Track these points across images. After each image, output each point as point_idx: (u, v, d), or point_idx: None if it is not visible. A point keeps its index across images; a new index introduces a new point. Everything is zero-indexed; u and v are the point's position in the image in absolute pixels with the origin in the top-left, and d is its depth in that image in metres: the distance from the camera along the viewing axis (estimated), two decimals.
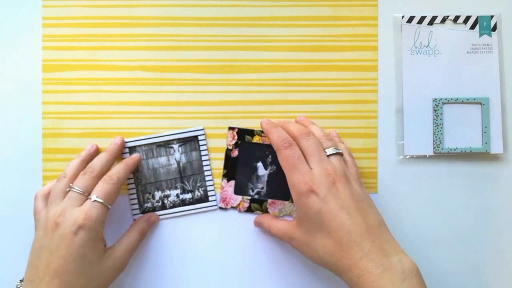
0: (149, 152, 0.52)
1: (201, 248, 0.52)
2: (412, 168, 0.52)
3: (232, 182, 0.52)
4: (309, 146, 0.46)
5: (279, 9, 0.53)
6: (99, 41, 0.53)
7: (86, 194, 0.46)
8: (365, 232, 0.42)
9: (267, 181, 0.52)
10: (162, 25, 0.53)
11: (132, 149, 0.52)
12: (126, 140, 0.52)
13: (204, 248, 0.52)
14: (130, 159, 0.50)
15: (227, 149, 0.52)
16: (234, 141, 0.52)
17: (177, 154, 0.52)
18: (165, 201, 0.52)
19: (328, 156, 0.46)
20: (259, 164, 0.52)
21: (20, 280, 0.47)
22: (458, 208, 0.52)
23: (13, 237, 0.52)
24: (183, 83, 0.53)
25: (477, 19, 0.52)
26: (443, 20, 0.52)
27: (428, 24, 0.52)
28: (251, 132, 0.52)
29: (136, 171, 0.52)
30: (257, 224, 0.51)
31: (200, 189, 0.52)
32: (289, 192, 0.46)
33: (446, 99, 0.52)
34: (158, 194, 0.52)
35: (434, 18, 0.52)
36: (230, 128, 0.52)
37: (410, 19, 0.53)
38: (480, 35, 0.52)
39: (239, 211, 0.52)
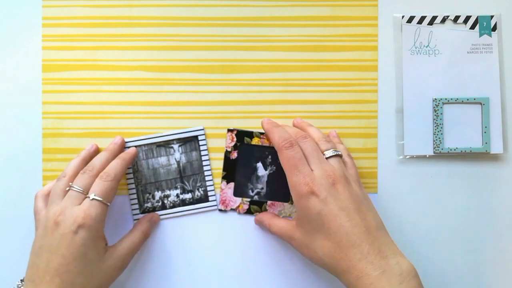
0: (149, 152, 0.52)
1: (201, 248, 0.52)
2: (412, 168, 0.52)
3: (232, 184, 0.52)
4: (306, 149, 0.46)
5: (279, 9, 0.53)
6: (99, 41, 0.53)
7: (86, 192, 0.46)
8: (364, 234, 0.42)
9: (267, 182, 0.52)
10: (162, 25, 0.53)
11: None
12: (126, 140, 0.52)
13: (204, 248, 0.52)
14: (126, 154, 0.50)
15: (226, 151, 0.52)
16: (233, 143, 0.52)
17: (177, 154, 0.52)
18: (165, 201, 0.52)
19: (327, 158, 0.46)
20: (259, 165, 0.52)
21: (21, 280, 0.47)
22: (458, 208, 0.52)
23: (13, 237, 0.52)
24: (183, 83, 0.53)
25: (477, 19, 0.52)
26: (443, 20, 0.52)
27: (428, 24, 0.52)
28: (250, 134, 0.52)
29: (136, 171, 0.52)
30: (258, 222, 0.51)
31: (200, 189, 0.52)
32: (289, 193, 0.46)
33: (446, 99, 0.52)
34: (158, 194, 0.52)
35: (434, 18, 0.52)
36: (229, 130, 0.52)
37: (410, 19, 0.53)
38: (480, 35, 0.52)
39: (239, 213, 0.52)
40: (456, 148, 0.52)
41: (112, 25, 0.53)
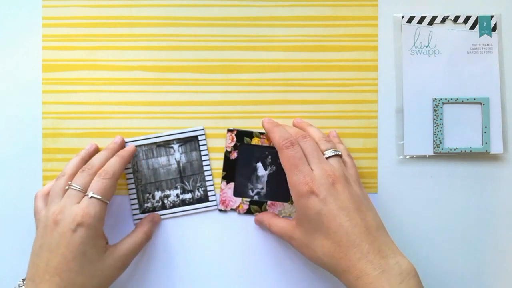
0: (149, 152, 0.52)
1: (201, 248, 0.52)
2: (412, 168, 0.52)
3: (232, 184, 0.52)
4: (306, 149, 0.46)
5: (279, 9, 0.53)
6: (99, 41, 0.53)
7: (85, 191, 0.46)
8: (364, 233, 0.42)
9: (266, 182, 0.52)
10: (162, 25, 0.53)
11: None
12: (126, 140, 0.52)
13: (204, 248, 0.52)
14: (125, 151, 0.50)
15: (226, 151, 0.52)
16: (233, 143, 0.52)
17: (177, 154, 0.52)
18: (165, 201, 0.52)
19: (327, 158, 0.46)
20: (259, 165, 0.52)
21: (22, 280, 0.47)
22: (458, 208, 0.52)
23: (13, 237, 0.52)
24: (183, 83, 0.53)
25: (477, 19, 0.52)
26: (443, 20, 0.52)
27: (428, 24, 0.52)
28: (250, 134, 0.52)
29: (136, 171, 0.52)
30: (258, 222, 0.51)
31: (200, 189, 0.52)
32: (289, 193, 0.46)
33: (446, 99, 0.52)
34: (158, 194, 0.52)
35: (434, 18, 0.52)
36: (229, 130, 0.52)
37: (410, 19, 0.53)
38: (480, 35, 0.52)
39: (239, 213, 0.52)
40: (456, 148, 0.52)
41: (112, 25, 0.53)
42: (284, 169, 0.46)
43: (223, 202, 0.52)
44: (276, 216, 0.50)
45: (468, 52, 0.52)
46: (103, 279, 0.45)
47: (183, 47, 0.53)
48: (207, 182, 0.52)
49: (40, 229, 0.45)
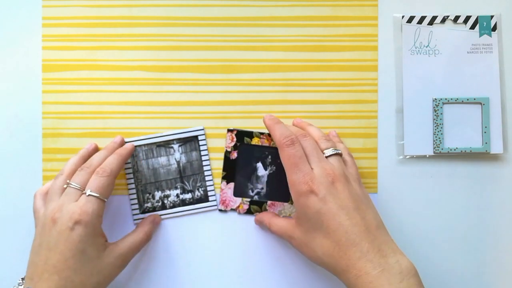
0: (149, 152, 0.52)
1: (201, 248, 0.52)
2: (412, 168, 0.52)
3: (232, 184, 0.52)
4: (306, 147, 0.46)
5: (279, 9, 0.53)
6: (99, 41, 0.53)
7: (83, 189, 0.46)
8: (364, 232, 0.42)
9: (266, 182, 0.52)
10: (162, 25, 0.53)
11: None
12: (126, 140, 0.52)
13: (204, 248, 0.52)
14: (123, 149, 0.50)
15: (226, 151, 0.52)
16: (233, 143, 0.52)
17: (177, 154, 0.52)
18: (165, 201, 0.52)
19: (327, 157, 0.46)
20: (259, 165, 0.52)
21: (22, 278, 0.47)
22: (458, 208, 0.52)
23: (13, 237, 0.52)
24: (183, 83, 0.53)
25: (477, 19, 0.52)
26: (443, 20, 0.52)
27: (428, 24, 0.52)
28: (250, 134, 0.52)
29: (136, 171, 0.52)
30: (258, 222, 0.51)
31: (200, 189, 0.52)
32: (289, 193, 0.46)
33: (446, 99, 0.52)
34: (158, 194, 0.52)
35: (434, 18, 0.52)
36: (229, 130, 0.52)
37: (410, 19, 0.53)
38: (480, 35, 0.52)
39: (239, 213, 0.52)
40: (456, 148, 0.52)
41: (112, 25, 0.53)
42: (284, 167, 0.46)
43: (223, 202, 0.52)
44: (276, 215, 0.50)
45: (468, 52, 0.52)
46: (102, 277, 0.45)
47: (183, 47, 0.53)
48: (207, 182, 0.52)
49: (39, 227, 0.45)
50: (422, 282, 0.42)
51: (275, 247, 0.52)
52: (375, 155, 0.53)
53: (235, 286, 0.51)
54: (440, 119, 0.52)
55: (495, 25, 0.52)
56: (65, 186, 0.46)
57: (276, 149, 0.48)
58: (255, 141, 0.52)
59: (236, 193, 0.52)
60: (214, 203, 0.52)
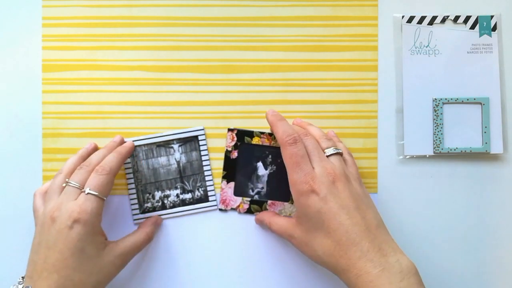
0: (149, 152, 0.52)
1: (201, 248, 0.52)
2: (412, 168, 0.52)
3: (232, 184, 0.52)
4: (308, 146, 0.46)
5: (279, 9, 0.53)
6: (99, 41, 0.53)
7: (82, 188, 0.45)
8: (364, 232, 0.42)
9: (267, 181, 0.52)
10: (162, 25, 0.53)
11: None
12: (125, 140, 0.52)
13: (204, 248, 0.52)
14: (123, 148, 0.49)
15: (227, 150, 0.52)
16: (233, 143, 0.52)
17: (177, 154, 0.52)
18: (165, 201, 0.52)
19: (328, 156, 0.46)
20: (259, 164, 0.52)
21: (22, 277, 0.47)
22: (458, 208, 0.52)
23: (13, 237, 0.52)
24: (183, 83, 0.53)
25: (477, 19, 0.52)
26: (443, 20, 0.52)
27: (428, 24, 0.52)
28: (251, 134, 0.52)
29: (136, 171, 0.52)
30: (258, 221, 0.51)
31: (200, 189, 0.52)
32: (289, 193, 0.46)
33: (446, 99, 0.52)
34: (158, 194, 0.52)
35: (434, 18, 0.52)
36: (229, 130, 0.52)
37: (410, 19, 0.53)
38: (480, 35, 0.52)
39: (239, 212, 0.52)
40: (456, 148, 0.52)
41: (112, 25, 0.53)
42: (286, 166, 0.45)
43: (223, 201, 0.52)
44: (277, 214, 0.50)
45: (468, 52, 0.52)
46: (101, 276, 0.45)
47: (183, 47, 0.53)
48: (207, 182, 0.52)
49: (38, 226, 0.45)
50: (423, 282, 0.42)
51: (275, 247, 0.52)
52: (375, 155, 0.53)
53: (235, 285, 0.51)
54: (440, 119, 0.52)
55: (495, 25, 0.52)
56: (64, 184, 0.46)
57: (276, 148, 0.48)
58: (256, 140, 0.52)
59: (237, 193, 0.52)
60: (214, 203, 0.52)
